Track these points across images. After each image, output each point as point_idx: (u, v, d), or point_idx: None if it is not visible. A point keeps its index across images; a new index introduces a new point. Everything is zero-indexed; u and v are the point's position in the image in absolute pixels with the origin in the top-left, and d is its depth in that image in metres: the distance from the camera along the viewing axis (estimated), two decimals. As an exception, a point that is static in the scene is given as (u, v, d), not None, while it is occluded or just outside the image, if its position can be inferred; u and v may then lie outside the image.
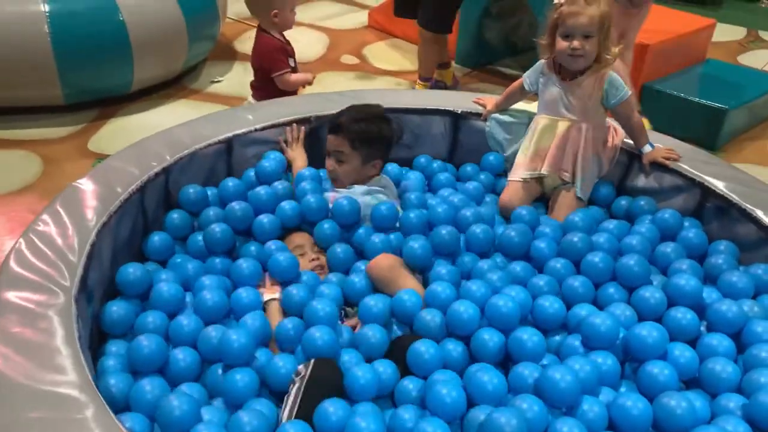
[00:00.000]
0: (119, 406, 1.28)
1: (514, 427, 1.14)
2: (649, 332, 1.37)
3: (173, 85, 3.42)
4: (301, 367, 1.33)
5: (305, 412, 1.24)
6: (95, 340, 1.46)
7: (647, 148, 1.99)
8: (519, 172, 2.02)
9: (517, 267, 1.66)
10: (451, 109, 2.22)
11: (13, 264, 1.38)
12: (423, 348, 1.37)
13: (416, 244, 1.65)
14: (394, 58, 3.96)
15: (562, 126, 1.97)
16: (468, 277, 1.66)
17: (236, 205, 1.77)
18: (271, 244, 1.71)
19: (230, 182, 1.89)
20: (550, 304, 1.49)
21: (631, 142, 2.03)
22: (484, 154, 2.19)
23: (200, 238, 1.74)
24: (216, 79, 3.54)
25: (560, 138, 1.97)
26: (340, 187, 1.86)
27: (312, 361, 1.32)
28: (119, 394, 1.30)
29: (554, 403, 1.24)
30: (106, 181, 1.66)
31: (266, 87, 2.46)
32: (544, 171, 1.98)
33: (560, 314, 1.49)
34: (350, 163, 1.83)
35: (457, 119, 2.22)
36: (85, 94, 3.10)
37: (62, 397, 1.11)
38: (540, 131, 2.01)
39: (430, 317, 1.46)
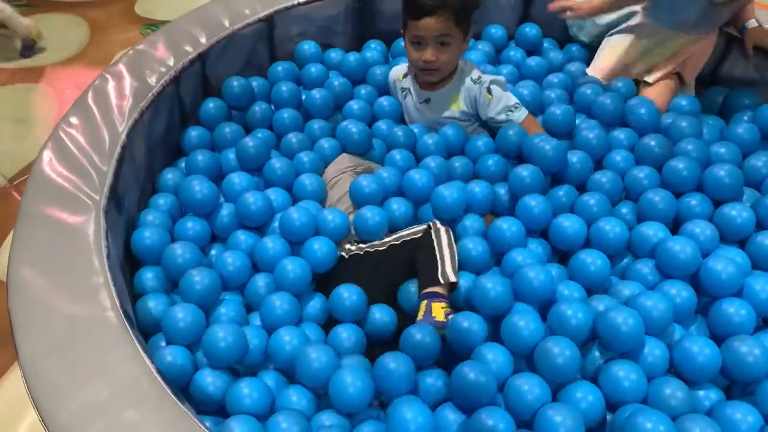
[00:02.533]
0: (153, 327, 1.23)
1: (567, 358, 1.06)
2: (724, 267, 1.20)
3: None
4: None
5: None
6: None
7: (752, 24, 1.69)
8: (606, 75, 1.75)
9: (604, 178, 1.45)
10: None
11: (43, 169, 1.31)
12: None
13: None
14: None
15: (682, 40, 1.69)
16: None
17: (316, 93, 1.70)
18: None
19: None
20: (612, 228, 1.33)
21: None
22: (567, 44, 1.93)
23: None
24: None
25: (680, 53, 1.70)
26: (435, 78, 1.54)
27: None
28: (157, 314, 1.24)
29: (612, 349, 1.13)
30: (139, 71, 1.53)
31: None
32: (648, 79, 1.72)
33: (623, 238, 1.34)
34: (454, 45, 1.47)
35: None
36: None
37: (88, 322, 1.06)
38: (655, 44, 1.70)
39: None
